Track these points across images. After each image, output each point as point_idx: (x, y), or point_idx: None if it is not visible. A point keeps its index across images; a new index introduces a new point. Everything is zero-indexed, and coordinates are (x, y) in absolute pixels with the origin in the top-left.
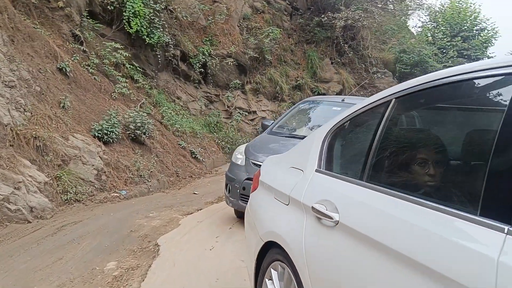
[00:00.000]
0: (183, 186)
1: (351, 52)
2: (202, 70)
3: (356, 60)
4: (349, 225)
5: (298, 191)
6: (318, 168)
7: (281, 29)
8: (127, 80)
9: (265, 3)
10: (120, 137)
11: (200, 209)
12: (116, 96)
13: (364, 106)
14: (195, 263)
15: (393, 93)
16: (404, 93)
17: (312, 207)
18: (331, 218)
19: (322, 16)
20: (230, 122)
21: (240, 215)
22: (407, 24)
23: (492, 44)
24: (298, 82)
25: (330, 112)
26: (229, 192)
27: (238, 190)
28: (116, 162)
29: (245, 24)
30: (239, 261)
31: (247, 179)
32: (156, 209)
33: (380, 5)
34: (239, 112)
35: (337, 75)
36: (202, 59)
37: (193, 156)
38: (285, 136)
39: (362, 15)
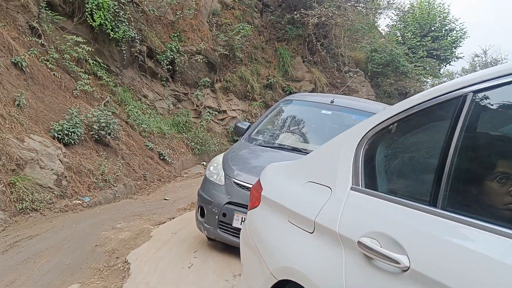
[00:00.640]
0: (152, 191)
1: (324, 51)
2: (170, 67)
3: (328, 59)
4: (428, 276)
5: (328, 216)
6: (354, 186)
7: (252, 26)
8: (90, 77)
9: None
10: (82, 138)
11: (173, 218)
12: (78, 93)
13: (421, 103)
14: (173, 285)
15: (468, 85)
16: (487, 85)
17: (359, 241)
18: (395, 262)
19: (295, 13)
20: (200, 122)
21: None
22: (377, 24)
23: (461, 45)
24: (269, 80)
25: (319, 116)
26: (203, 217)
27: (217, 217)
28: (78, 165)
29: (214, 20)
30: (223, 281)
31: (229, 203)
32: (124, 219)
33: (352, 3)
34: (208, 112)
35: (309, 74)
36: (170, 56)
37: (162, 158)
38: (270, 147)
39: (336, 13)
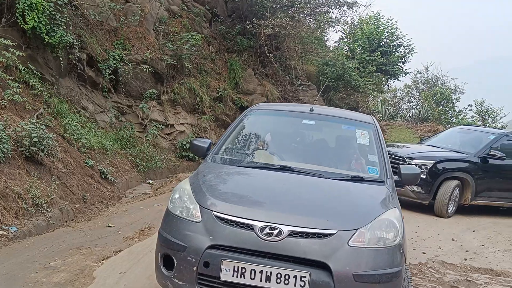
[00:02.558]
0: (94, 217)
1: (277, 63)
2: (113, 77)
3: (280, 71)
4: None
5: None
6: None
7: (201, 36)
8: (20, 86)
9: (183, 6)
10: (9, 155)
11: (120, 251)
12: (5, 104)
13: None
14: None
15: None
16: None
17: None
18: None
19: (247, 23)
20: (145, 137)
21: None
22: (325, 38)
23: (409, 60)
24: (219, 93)
25: (301, 127)
26: (170, 269)
27: (195, 268)
28: (4, 188)
29: (161, 28)
30: None
31: (213, 247)
32: (60, 254)
33: (304, 14)
34: (155, 126)
35: (260, 87)
36: (112, 65)
37: (103, 176)
38: (252, 167)
39: (290, 23)
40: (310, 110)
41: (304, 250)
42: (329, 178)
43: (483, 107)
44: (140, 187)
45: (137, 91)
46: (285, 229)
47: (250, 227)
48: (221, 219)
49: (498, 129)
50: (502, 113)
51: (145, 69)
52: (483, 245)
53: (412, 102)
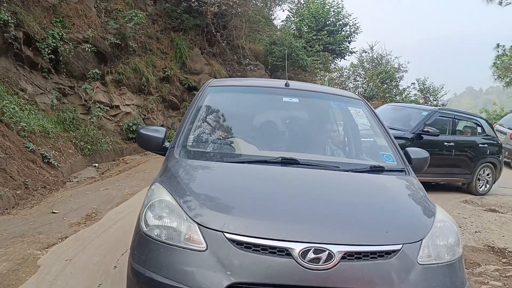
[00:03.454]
0: (37, 203)
1: (224, 42)
2: (53, 56)
3: (227, 50)
4: None
5: None
6: None
7: (146, 14)
8: None
9: None
10: None
11: (65, 237)
12: None
13: None
14: None
15: None
16: None
17: None
18: None
19: (193, 0)
20: (90, 119)
21: None
22: (272, 17)
23: (355, 40)
24: (166, 73)
25: (283, 107)
26: None
27: None
28: None
29: (103, 5)
30: None
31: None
32: (1, 242)
33: None
34: (99, 107)
35: (208, 67)
36: (52, 44)
37: (46, 161)
38: (243, 162)
39: (237, 2)
40: (285, 85)
41: (368, 278)
42: (346, 170)
43: (425, 86)
44: (86, 171)
45: (79, 72)
46: (336, 250)
47: (285, 252)
48: (239, 243)
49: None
50: (443, 91)
51: (87, 49)
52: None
53: (358, 81)
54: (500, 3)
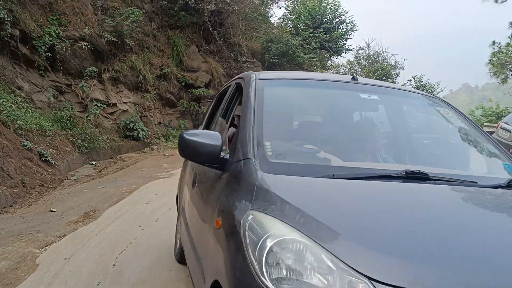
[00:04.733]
0: (35, 201)
1: (221, 40)
2: (49, 54)
3: (224, 48)
4: None
5: None
6: None
7: (142, 11)
8: None
9: None
10: None
11: (64, 236)
12: None
13: None
14: None
15: None
16: None
17: None
18: None
19: None
20: (87, 117)
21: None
22: (269, 15)
23: (351, 37)
24: (163, 71)
25: (360, 104)
26: None
27: None
28: None
29: (99, 3)
30: None
31: None
32: None
33: None
34: (96, 105)
35: (205, 64)
36: (48, 42)
37: (43, 159)
38: (358, 177)
39: None
40: (353, 79)
41: None
42: (484, 187)
43: (421, 82)
44: (83, 169)
45: (76, 69)
46: None
47: None
48: None
49: None
50: (439, 88)
51: (83, 46)
52: None
53: None
54: (496, 1)
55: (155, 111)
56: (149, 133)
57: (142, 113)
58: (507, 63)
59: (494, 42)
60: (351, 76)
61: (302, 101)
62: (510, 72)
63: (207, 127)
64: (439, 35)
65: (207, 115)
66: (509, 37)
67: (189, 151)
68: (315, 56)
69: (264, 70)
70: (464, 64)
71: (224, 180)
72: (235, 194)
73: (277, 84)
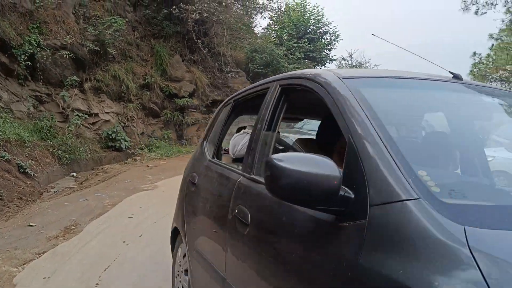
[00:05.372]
0: (12, 216)
1: (205, 49)
2: (29, 63)
3: (208, 58)
4: None
5: None
6: None
7: (125, 20)
8: None
9: None
10: None
11: (43, 252)
12: None
13: None
14: None
15: None
16: None
17: None
18: None
19: (173, 7)
20: (68, 127)
21: None
22: (253, 25)
23: (335, 47)
24: (146, 80)
25: (480, 109)
26: None
27: None
28: None
29: (82, 11)
30: None
31: None
32: None
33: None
34: (77, 115)
35: (189, 74)
36: (28, 50)
37: (22, 170)
38: None
39: (218, 9)
40: (456, 78)
41: None
42: None
43: None
44: (64, 181)
45: (57, 79)
46: None
47: None
48: None
49: None
50: None
51: (65, 55)
52: None
53: None
54: (476, 13)
55: (138, 121)
56: (132, 143)
57: (125, 123)
58: (487, 74)
59: (474, 53)
60: (454, 74)
61: (415, 107)
62: (490, 84)
63: (218, 142)
64: (422, 47)
65: (218, 127)
66: (489, 49)
67: (292, 189)
68: (299, 66)
69: (248, 80)
70: (445, 74)
71: (351, 234)
72: (408, 267)
73: (373, 85)
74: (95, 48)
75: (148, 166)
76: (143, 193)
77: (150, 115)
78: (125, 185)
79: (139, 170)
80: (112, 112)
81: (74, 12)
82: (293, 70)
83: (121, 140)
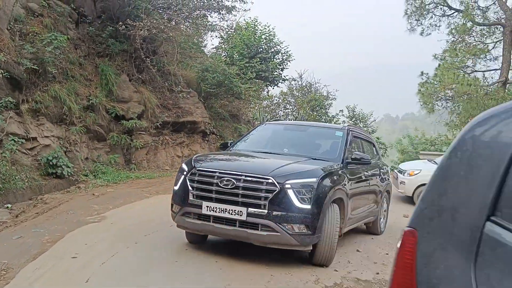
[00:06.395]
0: None
1: (155, 68)
2: None
3: (158, 77)
4: None
5: None
6: None
7: (67, 37)
8: None
9: (44, 4)
10: None
11: None
12: None
13: None
14: None
15: None
16: None
17: None
18: None
19: (120, 23)
20: (1, 153)
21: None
22: (203, 44)
23: (287, 67)
24: (90, 101)
25: None
26: None
27: None
28: None
29: (17, 27)
30: None
31: None
32: None
33: (183, 16)
34: (13, 140)
35: (137, 94)
36: None
37: None
38: None
39: (168, 25)
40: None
41: None
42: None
43: (355, 112)
44: None
45: None
46: None
47: None
48: None
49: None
50: (372, 118)
51: None
52: (387, 254)
53: (288, 108)
54: (421, 34)
55: (81, 145)
56: (75, 169)
57: (67, 147)
58: (434, 94)
59: (422, 73)
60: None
61: None
62: (436, 102)
63: None
64: (367, 68)
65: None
66: (436, 69)
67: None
68: (251, 86)
69: (200, 100)
70: (388, 95)
71: None
72: None
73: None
74: (33, 66)
75: (94, 194)
76: (88, 227)
77: (95, 139)
78: (68, 217)
79: (83, 199)
80: (53, 136)
81: (9, 28)
82: (246, 90)
83: (63, 166)
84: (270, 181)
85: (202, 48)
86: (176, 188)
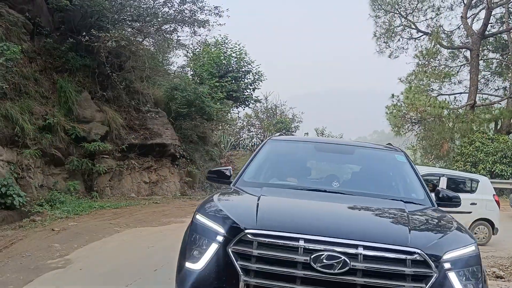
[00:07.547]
0: None
1: (122, 85)
2: None
3: (123, 95)
4: None
5: None
6: None
7: (21, 48)
8: None
9: None
10: None
11: None
12: None
13: None
14: None
15: None
16: None
17: None
18: None
19: (84, 34)
20: None
21: None
22: (169, 62)
23: (259, 87)
24: (47, 121)
25: None
26: None
27: None
28: None
29: None
30: None
31: None
32: None
33: (154, 28)
34: None
35: (100, 114)
36: None
37: None
38: None
39: (137, 37)
40: None
41: None
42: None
43: (324, 134)
44: None
45: None
46: None
47: None
48: None
49: None
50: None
51: None
52: None
53: (252, 131)
54: (390, 56)
55: (36, 170)
56: (28, 199)
57: (19, 174)
58: (405, 115)
59: (393, 95)
60: None
61: None
62: (404, 125)
63: None
64: (336, 92)
65: None
66: (401, 92)
67: None
68: (222, 106)
69: (170, 120)
70: (357, 119)
71: None
72: None
73: None
74: None
75: (53, 229)
76: (51, 275)
77: (52, 163)
78: (24, 261)
79: (41, 236)
80: (2, 160)
81: None
82: (219, 110)
83: (14, 196)
84: (416, 257)
85: (168, 66)
86: (195, 266)
